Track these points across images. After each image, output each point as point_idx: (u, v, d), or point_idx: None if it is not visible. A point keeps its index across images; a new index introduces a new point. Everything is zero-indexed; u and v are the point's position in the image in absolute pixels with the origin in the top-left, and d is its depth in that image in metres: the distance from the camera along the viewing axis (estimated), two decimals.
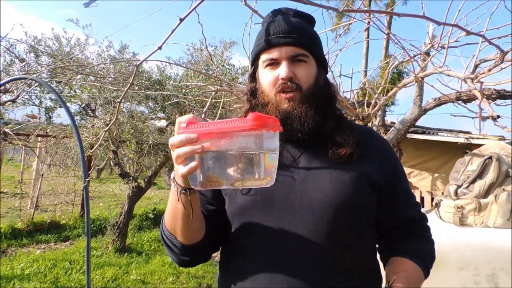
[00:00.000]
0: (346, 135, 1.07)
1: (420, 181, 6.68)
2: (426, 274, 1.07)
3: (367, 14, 2.22)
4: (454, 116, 2.34)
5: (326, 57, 1.50)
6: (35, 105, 5.24)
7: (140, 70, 4.79)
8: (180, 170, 0.81)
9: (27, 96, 4.68)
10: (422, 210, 1.21)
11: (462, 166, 2.32)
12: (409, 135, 4.09)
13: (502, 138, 5.67)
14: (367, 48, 19.28)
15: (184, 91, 4.57)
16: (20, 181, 11.05)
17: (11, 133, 4.58)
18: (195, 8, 1.00)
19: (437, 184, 6.58)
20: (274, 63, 1.07)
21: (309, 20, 1.16)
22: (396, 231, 1.13)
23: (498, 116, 1.85)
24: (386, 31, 2.07)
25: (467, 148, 6.10)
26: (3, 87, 3.23)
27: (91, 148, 4.85)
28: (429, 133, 6.51)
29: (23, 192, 7.35)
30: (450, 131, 6.73)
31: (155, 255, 5.57)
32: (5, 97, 3.83)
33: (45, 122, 6.13)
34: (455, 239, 2.04)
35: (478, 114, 1.79)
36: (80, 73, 4.32)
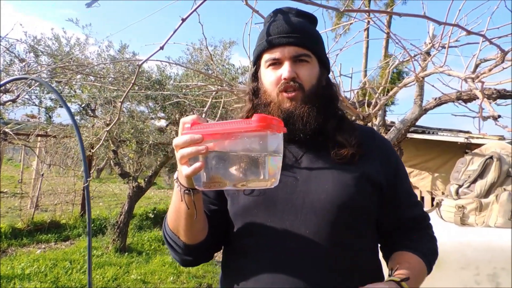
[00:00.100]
0: (348, 135, 1.07)
1: (420, 180, 6.69)
2: (429, 269, 1.07)
3: (367, 14, 2.23)
4: (455, 116, 2.34)
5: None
6: (35, 105, 5.25)
7: (140, 70, 4.78)
8: (184, 170, 0.81)
9: (27, 96, 4.68)
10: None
11: (463, 166, 2.32)
12: (409, 135, 4.09)
13: (502, 138, 5.68)
14: (367, 48, 19.29)
15: (184, 91, 4.57)
16: (20, 180, 11.08)
17: (11, 133, 4.58)
18: (197, 8, 1.00)
19: (437, 183, 6.59)
20: (276, 63, 1.07)
21: (311, 20, 1.16)
22: (397, 231, 1.13)
23: (499, 116, 1.85)
24: (386, 30, 2.07)
25: (467, 148, 6.11)
26: (3, 87, 3.22)
27: (92, 148, 4.85)
28: (429, 133, 6.51)
29: (23, 192, 7.35)
30: (450, 130, 6.74)
31: (155, 254, 5.57)
32: (5, 97, 3.83)
33: (45, 122, 6.13)
34: (456, 238, 2.04)
35: (479, 113, 1.79)
36: (80, 73, 4.31)
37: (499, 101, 2.55)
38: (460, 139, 5.95)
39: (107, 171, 15.78)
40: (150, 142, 4.86)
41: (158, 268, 4.93)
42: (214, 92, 2.69)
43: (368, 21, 2.38)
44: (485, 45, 2.08)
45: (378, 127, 3.13)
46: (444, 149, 6.48)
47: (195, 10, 1.01)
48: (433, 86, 2.27)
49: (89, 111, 5.75)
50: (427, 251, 1.09)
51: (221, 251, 1.17)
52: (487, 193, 2.14)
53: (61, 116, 6.12)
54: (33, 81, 3.54)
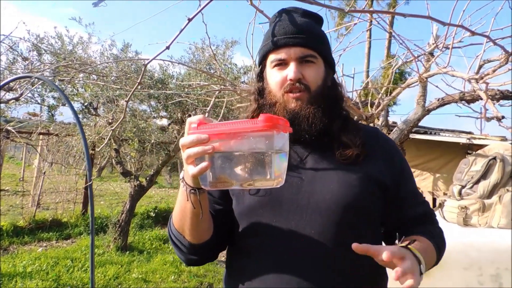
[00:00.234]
0: (353, 136, 1.07)
1: (421, 181, 6.68)
2: (438, 252, 1.04)
3: (370, 14, 2.22)
4: (459, 116, 2.34)
5: None
6: (38, 103, 5.25)
7: (142, 69, 4.79)
8: (190, 170, 0.81)
9: (29, 94, 4.68)
10: None
11: (466, 167, 2.32)
12: (411, 135, 4.09)
13: (504, 139, 5.67)
14: (369, 48, 19.24)
15: (186, 90, 4.57)
16: (21, 178, 11.10)
17: (13, 131, 4.59)
18: (203, 7, 1.01)
19: (439, 184, 6.59)
20: (282, 64, 1.07)
21: (317, 20, 1.16)
22: (403, 228, 1.12)
23: (503, 117, 1.85)
24: (390, 31, 2.07)
25: (469, 148, 6.11)
26: (6, 85, 3.23)
27: (94, 148, 4.86)
28: (431, 133, 6.51)
29: (24, 190, 7.36)
30: (452, 131, 6.74)
31: (156, 253, 5.57)
32: (8, 95, 3.84)
33: (47, 120, 6.14)
34: (459, 239, 2.04)
35: (482, 114, 1.79)
36: (83, 71, 4.32)
37: (502, 101, 2.54)
38: (462, 139, 5.94)
39: (108, 169, 15.80)
40: (152, 141, 4.86)
41: (159, 267, 4.94)
42: (217, 92, 2.69)
43: (371, 22, 2.38)
44: (489, 46, 2.08)
45: (381, 127, 3.12)
46: (446, 149, 6.48)
47: (202, 9, 1.01)
48: (436, 86, 2.27)
49: (92, 109, 5.75)
50: (435, 235, 1.08)
51: (225, 250, 1.18)
52: (490, 194, 2.14)
53: (63, 115, 6.13)
54: (36, 79, 3.55)
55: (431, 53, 2.55)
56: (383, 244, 1.15)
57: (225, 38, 5.56)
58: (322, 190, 1.01)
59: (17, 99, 3.80)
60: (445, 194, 5.25)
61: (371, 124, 2.86)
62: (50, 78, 3.72)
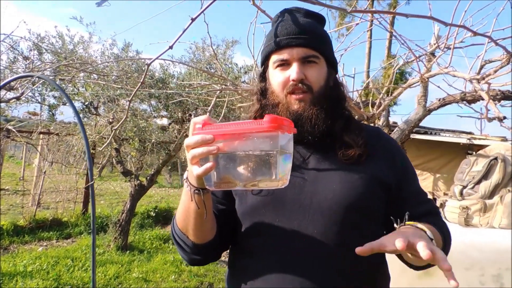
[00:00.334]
0: (355, 136, 1.07)
1: (422, 181, 6.69)
2: (444, 242, 1.02)
3: (371, 14, 2.23)
4: (461, 117, 2.34)
5: None
6: (38, 103, 5.25)
7: (143, 69, 4.79)
8: (195, 170, 0.81)
9: (30, 94, 4.68)
10: None
11: (467, 167, 2.32)
12: (411, 135, 4.09)
13: (504, 139, 5.67)
14: (370, 48, 19.24)
15: (187, 89, 4.57)
16: (21, 178, 11.10)
17: (14, 130, 4.58)
18: (207, 7, 1.01)
19: (439, 184, 6.59)
20: (284, 64, 1.07)
21: (320, 20, 1.15)
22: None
23: (504, 117, 1.86)
24: (392, 31, 2.07)
25: (469, 149, 6.11)
26: (7, 84, 3.23)
27: (95, 147, 4.86)
28: (431, 133, 6.51)
29: (24, 189, 7.36)
30: (453, 131, 6.74)
31: (156, 253, 5.57)
32: (9, 94, 3.84)
33: (48, 120, 6.14)
34: (460, 239, 2.04)
35: (484, 115, 1.79)
36: (84, 71, 4.32)
37: (502, 102, 2.54)
38: (462, 140, 5.95)
39: (108, 169, 15.80)
40: (153, 140, 4.86)
41: (160, 266, 4.94)
42: (218, 91, 2.69)
43: (372, 22, 2.38)
44: (490, 46, 2.07)
45: (382, 127, 3.12)
46: (446, 149, 6.49)
47: (205, 9, 1.01)
48: (438, 87, 2.26)
49: (92, 109, 5.75)
50: (441, 225, 1.06)
51: (227, 250, 1.18)
52: (491, 194, 2.15)
53: (64, 114, 6.13)
54: (37, 78, 3.54)
55: (433, 53, 2.55)
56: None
57: (226, 38, 5.55)
58: (324, 190, 1.01)
59: (18, 98, 3.80)
60: (445, 194, 5.26)
61: (372, 124, 2.86)
62: (51, 78, 3.72)
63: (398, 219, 0.95)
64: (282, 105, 1.07)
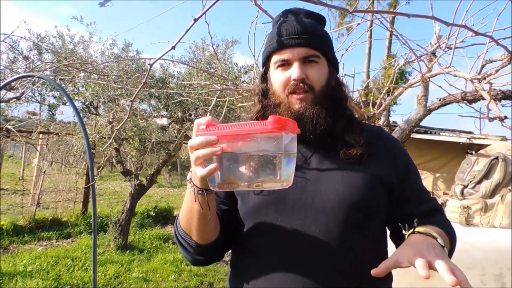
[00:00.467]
0: (356, 135, 1.07)
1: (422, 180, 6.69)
2: (450, 240, 1.02)
3: (371, 14, 2.22)
4: (462, 116, 2.34)
5: None
6: (38, 102, 5.24)
7: (143, 68, 4.78)
8: (199, 171, 0.81)
9: (30, 94, 4.67)
10: None
11: (468, 167, 2.32)
12: (411, 135, 4.09)
13: (503, 138, 5.68)
14: (370, 48, 19.23)
15: (188, 89, 4.56)
16: (21, 178, 11.09)
17: (13, 130, 4.58)
18: (210, 7, 1.00)
19: (439, 183, 6.60)
20: (285, 64, 1.07)
21: (320, 20, 1.16)
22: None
23: (505, 117, 1.86)
24: (393, 31, 2.08)
25: (468, 148, 6.12)
26: (8, 84, 3.23)
27: (95, 146, 4.85)
28: (431, 133, 6.52)
29: (24, 189, 7.35)
30: (452, 131, 6.75)
31: (156, 253, 5.57)
32: (9, 94, 3.83)
33: (48, 119, 6.13)
34: (461, 239, 2.03)
35: (486, 114, 1.79)
36: (84, 71, 4.31)
37: (503, 102, 2.54)
38: (462, 139, 5.95)
39: (108, 168, 15.78)
40: (153, 140, 4.86)
41: (160, 266, 4.94)
42: (219, 91, 2.69)
43: (371, 22, 2.37)
44: (491, 45, 2.07)
45: (383, 127, 3.13)
46: (446, 149, 6.49)
47: (208, 9, 1.01)
48: (439, 86, 2.26)
49: (92, 109, 5.75)
50: (446, 224, 1.06)
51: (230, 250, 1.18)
52: (492, 194, 2.15)
53: (64, 114, 6.12)
54: (38, 78, 3.54)
55: (433, 53, 2.55)
56: (388, 243, 1.16)
57: (225, 38, 5.55)
58: (326, 189, 1.01)
59: (18, 98, 3.80)
60: (445, 193, 5.26)
61: (373, 124, 2.87)
62: (51, 78, 3.71)
63: (406, 225, 0.95)
64: (283, 105, 1.07)
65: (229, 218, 1.10)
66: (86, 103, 5.56)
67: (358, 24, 2.09)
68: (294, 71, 1.04)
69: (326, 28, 1.21)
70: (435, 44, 2.48)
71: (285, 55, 1.06)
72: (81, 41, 4.88)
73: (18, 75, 3.20)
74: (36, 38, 4.61)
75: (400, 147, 1.20)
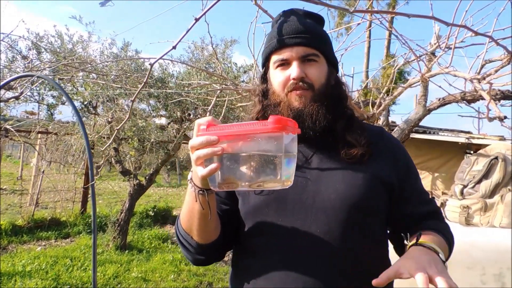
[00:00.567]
0: (357, 135, 1.08)
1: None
2: (448, 244, 1.03)
3: (370, 14, 2.22)
4: (462, 116, 2.34)
5: None
6: (37, 102, 5.23)
7: (142, 68, 4.78)
8: (199, 171, 0.81)
9: (29, 93, 4.66)
10: None
11: (467, 166, 2.32)
12: (410, 135, 4.09)
13: (502, 138, 5.69)
14: (369, 48, 19.25)
15: (186, 89, 4.56)
16: (19, 177, 11.06)
17: (12, 129, 4.57)
18: (211, 7, 1.00)
19: (437, 183, 6.60)
20: (285, 64, 1.08)
21: (319, 20, 1.16)
22: (410, 224, 1.12)
23: (505, 117, 1.86)
24: (393, 31, 2.08)
25: (467, 148, 6.12)
26: (6, 84, 3.22)
27: (93, 146, 4.84)
28: (430, 133, 6.52)
29: (23, 189, 7.33)
30: (451, 130, 6.75)
31: (155, 252, 5.57)
32: (8, 94, 3.82)
33: (46, 119, 6.11)
34: (461, 239, 2.04)
35: (485, 114, 1.79)
36: (83, 70, 4.31)
37: (502, 102, 2.55)
38: (461, 139, 5.96)
39: (107, 168, 15.76)
40: (152, 140, 4.85)
41: (159, 266, 4.93)
42: (218, 91, 2.68)
43: (371, 22, 2.38)
44: (491, 45, 2.07)
45: (382, 127, 3.13)
46: (445, 149, 6.50)
47: (209, 9, 1.01)
48: (439, 86, 2.26)
49: (91, 108, 5.74)
50: (442, 229, 1.07)
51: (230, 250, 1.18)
52: (492, 194, 2.15)
53: (62, 114, 6.11)
54: (37, 78, 3.53)
55: (433, 53, 2.55)
56: (388, 243, 1.16)
57: (224, 37, 5.54)
58: (327, 189, 1.01)
59: (17, 97, 3.79)
60: (444, 193, 5.27)
61: (373, 124, 2.87)
62: (50, 77, 3.70)
63: (408, 234, 0.96)
64: (283, 103, 1.07)
65: (230, 218, 1.10)
66: (85, 102, 5.55)
67: (358, 24, 2.09)
68: (293, 70, 1.04)
69: (325, 28, 1.21)
70: (435, 44, 2.48)
71: (284, 54, 1.06)
72: (80, 40, 4.87)
73: (17, 75, 3.20)
74: (35, 37, 4.60)
75: (400, 147, 1.20)
